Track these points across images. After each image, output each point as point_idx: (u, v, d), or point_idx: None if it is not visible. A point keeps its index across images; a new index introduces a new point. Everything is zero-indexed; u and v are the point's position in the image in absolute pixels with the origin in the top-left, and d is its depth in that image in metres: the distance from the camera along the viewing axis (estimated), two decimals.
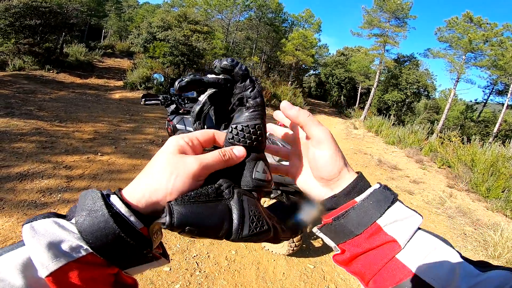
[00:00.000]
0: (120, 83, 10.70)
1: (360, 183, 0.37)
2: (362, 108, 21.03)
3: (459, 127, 19.76)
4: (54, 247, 0.26)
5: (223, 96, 0.40)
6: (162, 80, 2.89)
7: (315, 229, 0.39)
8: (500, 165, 5.21)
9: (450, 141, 6.92)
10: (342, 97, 27.53)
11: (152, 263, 0.31)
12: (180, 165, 0.31)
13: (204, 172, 0.32)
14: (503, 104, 17.51)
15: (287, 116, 0.40)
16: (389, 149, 8.09)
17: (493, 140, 14.36)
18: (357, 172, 0.39)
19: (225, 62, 0.37)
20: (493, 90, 19.67)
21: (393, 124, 10.57)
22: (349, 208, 0.35)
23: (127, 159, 3.88)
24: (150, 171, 0.32)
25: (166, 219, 0.28)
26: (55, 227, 0.27)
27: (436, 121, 17.66)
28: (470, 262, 0.31)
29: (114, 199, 0.29)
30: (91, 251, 0.27)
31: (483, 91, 20.56)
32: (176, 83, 0.36)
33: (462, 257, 0.32)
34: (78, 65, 11.82)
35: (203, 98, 0.40)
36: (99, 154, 3.85)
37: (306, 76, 31.74)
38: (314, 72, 31.64)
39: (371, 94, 19.48)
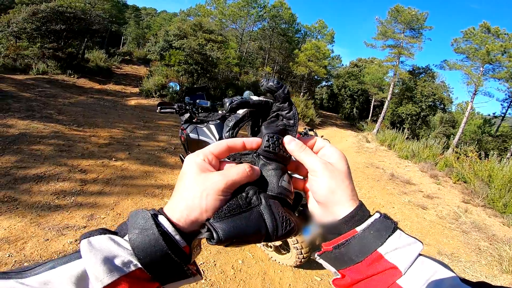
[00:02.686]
0: (136, 90, 11.00)
1: (360, 213, 0.37)
2: (375, 121, 20.71)
3: (476, 142, 19.12)
4: (109, 262, 0.28)
5: (260, 114, 0.44)
6: (178, 88, 2.95)
7: (315, 255, 0.40)
8: None
9: (467, 156, 6.71)
10: (354, 109, 27.26)
11: (189, 279, 0.34)
12: (208, 184, 0.34)
13: (231, 187, 0.35)
14: None
15: (288, 150, 0.42)
16: (403, 164, 7.90)
17: (511, 155, 13.82)
18: (359, 200, 0.40)
19: (271, 83, 0.41)
20: None
21: (407, 138, 10.34)
22: (349, 238, 0.36)
23: (140, 165, 3.95)
24: (183, 192, 0.34)
25: (214, 236, 0.31)
26: (110, 243, 0.30)
27: (452, 136, 17.21)
28: (470, 284, 0.32)
29: (162, 219, 0.32)
30: (140, 266, 0.29)
31: (501, 105, 19.87)
32: (227, 104, 0.40)
33: (461, 280, 0.32)
34: (97, 71, 12.24)
35: (242, 112, 0.44)
36: (113, 159, 3.94)
37: (318, 88, 31.63)
38: (326, 84, 31.55)
39: (385, 106, 19.18)
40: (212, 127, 2.39)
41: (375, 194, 4.89)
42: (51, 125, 4.70)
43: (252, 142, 0.41)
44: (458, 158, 6.97)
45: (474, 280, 0.33)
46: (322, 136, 1.89)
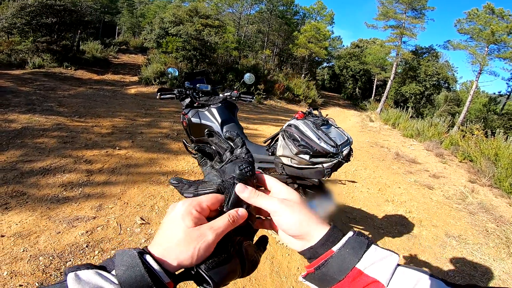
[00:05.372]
0: (135, 78, 10.87)
1: (334, 234, 0.40)
2: (378, 101, 20.50)
3: (481, 120, 18.92)
4: None
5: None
6: (177, 74, 2.86)
7: (300, 278, 0.43)
8: None
9: (472, 134, 6.62)
10: (357, 89, 26.93)
11: None
12: (200, 239, 0.37)
13: (219, 238, 0.39)
14: None
15: (242, 198, 0.44)
16: (407, 142, 7.84)
17: None
18: (330, 224, 0.43)
19: (228, 135, 0.53)
20: None
21: (411, 117, 10.21)
22: (327, 258, 0.38)
23: (144, 153, 3.93)
24: (175, 244, 0.36)
25: (211, 284, 0.37)
26: (97, 277, 0.31)
27: (457, 114, 16.99)
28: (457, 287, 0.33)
29: (148, 258, 0.34)
30: None
31: (507, 83, 19.60)
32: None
33: (447, 284, 0.34)
34: (94, 62, 12.08)
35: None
36: (117, 148, 3.93)
37: (320, 69, 31.16)
38: (327, 65, 31.06)
39: (388, 86, 18.90)
40: (214, 111, 2.34)
41: (380, 174, 4.87)
42: (52, 118, 4.67)
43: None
44: (464, 136, 6.88)
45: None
46: (327, 115, 1.84)
